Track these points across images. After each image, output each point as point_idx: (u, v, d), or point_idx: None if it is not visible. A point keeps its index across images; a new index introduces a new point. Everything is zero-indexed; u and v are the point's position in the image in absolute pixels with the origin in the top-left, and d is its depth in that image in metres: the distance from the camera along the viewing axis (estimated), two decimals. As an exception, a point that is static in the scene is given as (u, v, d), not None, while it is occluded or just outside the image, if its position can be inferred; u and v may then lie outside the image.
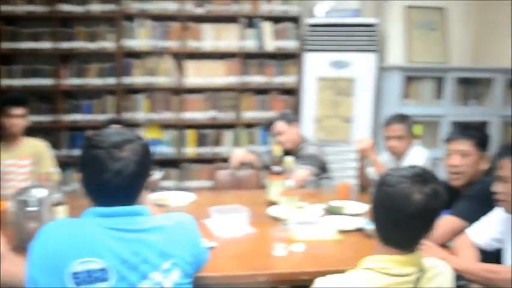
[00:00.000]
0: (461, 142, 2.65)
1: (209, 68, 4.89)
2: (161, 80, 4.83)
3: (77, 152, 4.76)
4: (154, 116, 4.86)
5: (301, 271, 2.15)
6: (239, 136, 4.98)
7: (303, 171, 3.56)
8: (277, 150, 3.16)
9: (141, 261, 1.52)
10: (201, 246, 1.77)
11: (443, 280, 1.62)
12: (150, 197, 3.17)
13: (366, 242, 2.48)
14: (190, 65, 4.85)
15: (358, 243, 2.51)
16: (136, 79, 4.81)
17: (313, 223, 2.61)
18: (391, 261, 1.55)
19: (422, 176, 1.55)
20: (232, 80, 4.90)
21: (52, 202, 2.39)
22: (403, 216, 1.51)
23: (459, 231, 2.43)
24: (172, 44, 4.82)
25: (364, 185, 3.61)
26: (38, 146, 3.68)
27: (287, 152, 3.89)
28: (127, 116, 4.78)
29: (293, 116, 4.07)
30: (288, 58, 4.97)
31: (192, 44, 4.83)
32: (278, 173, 3.08)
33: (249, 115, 4.98)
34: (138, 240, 1.53)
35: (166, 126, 4.92)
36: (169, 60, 4.82)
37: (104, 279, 1.47)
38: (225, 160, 4.96)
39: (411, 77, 4.71)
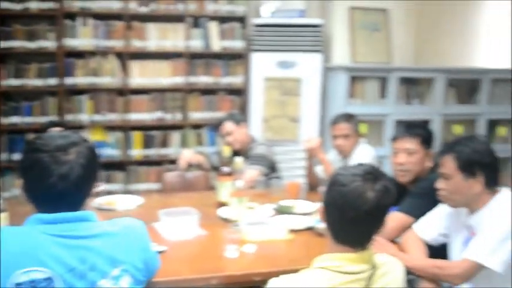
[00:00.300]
0: (407, 140, 2.70)
1: (154, 68, 4.80)
2: (105, 81, 4.70)
3: (16, 156, 4.58)
4: (99, 117, 4.73)
5: (253, 272, 2.14)
6: (186, 137, 4.92)
7: (252, 172, 3.55)
8: (226, 151, 3.13)
9: (89, 268, 1.46)
10: (152, 251, 1.72)
11: (394, 276, 1.64)
12: (95, 201, 3.10)
13: (317, 240, 2.50)
14: (135, 65, 4.75)
15: (309, 242, 2.52)
16: (79, 80, 4.66)
17: (264, 223, 2.61)
18: (344, 259, 1.56)
19: (373, 174, 1.57)
20: (179, 80, 4.84)
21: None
22: (357, 214, 1.53)
23: (407, 227, 2.48)
24: (116, 44, 4.70)
25: (312, 184, 3.63)
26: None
27: (236, 153, 3.87)
28: (70, 118, 4.63)
29: (241, 116, 4.05)
30: (234, 58, 4.95)
31: (137, 44, 4.73)
32: (227, 174, 3.05)
33: (196, 116, 4.93)
34: (85, 247, 1.47)
35: (111, 128, 4.80)
36: (113, 60, 4.70)
37: None
38: (172, 162, 4.90)
39: (356, 77, 4.79)
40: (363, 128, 4.77)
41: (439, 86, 4.90)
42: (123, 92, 4.74)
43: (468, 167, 2.12)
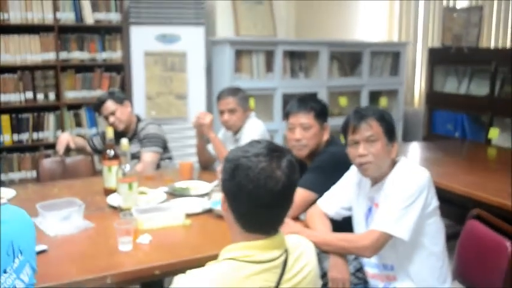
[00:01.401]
0: (302, 115, 2.61)
1: (20, 44, 4.30)
2: (-38, 58, 4.13)
3: None
4: (-43, 100, 4.16)
5: (152, 266, 1.92)
6: (63, 119, 4.49)
7: (151, 155, 3.35)
8: (110, 132, 2.84)
9: None
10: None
11: (308, 259, 1.53)
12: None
13: (217, 223, 2.35)
14: (-4, 40, 4.22)
15: (208, 225, 2.35)
16: None
17: (158, 209, 2.39)
18: (255, 248, 1.40)
19: (276, 150, 1.43)
20: (49, 56, 4.38)
21: None
22: (270, 197, 1.38)
23: (310, 203, 2.41)
24: (-28, 16, 4.13)
25: (204, 163, 3.47)
26: None
27: (121, 134, 3.59)
28: None
29: (123, 94, 3.74)
30: (111, 32, 4.58)
31: (-3, 16, 4.19)
32: (113, 158, 2.78)
33: (72, 95, 4.51)
34: None
35: (-27, 111, 4.25)
36: (-29, 34, 4.14)
37: None
38: (49, 147, 4.48)
39: (241, 51, 4.65)
40: (251, 103, 4.68)
41: (322, 59, 4.93)
42: (-15, 70, 4.20)
43: (391, 132, 2.08)
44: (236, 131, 3.39)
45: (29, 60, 4.32)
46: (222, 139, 3.43)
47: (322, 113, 2.65)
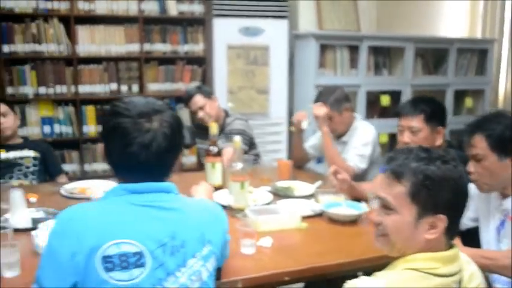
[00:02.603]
0: (411, 118, 2.48)
1: (105, 35, 4.29)
2: (49, 48, 4.14)
3: None
4: (45, 90, 4.17)
5: (281, 271, 1.82)
6: (144, 111, 4.46)
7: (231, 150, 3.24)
8: (214, 128, 2.77)
9: (180, 245, 1.31)
10: (228, 238, 1.59)
11: (480, 277, 1.40)
12: (64, 189, 2.67)
13: (329, 228, 2.27)
14: (81, 31, 4.21)
15: (322, 230, 2.25)
16: (19, 47, 4.07)
17: (271, 210, 2.30)
18: (440, 260, 1.28)
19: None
20: (133, 48, 4.36)
21: None
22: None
23: None
24: (58, 6, 4.12)
25: (299, 161, 3.34)
26: None
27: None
28: (11, 91, 4.06)
29: (209, 88, 3.67)
30: (193, 24, 4.52)
31: (83, 6, 4.18)
32: (217, 154, 2.71)
33: (154, 87, 4.48)
34: (176, 221, 1.33)
35: (60, 102, 4.26)
36: (57, 24, 4.14)
37: (140, 265, 1.26)
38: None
39: (325, 46, 4.51)
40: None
41: (408, 55, 4.74)
42: (70, 61, 4.20)
43: (502, 147, 1.92)
44: (339, 135, 3.21)
45: (113, 51, 4.31)
46: (319, 142, 3.29)
47: (434, 116, 2.50)
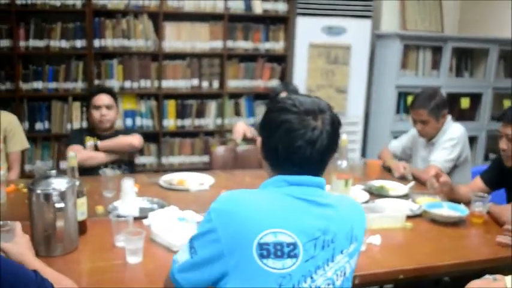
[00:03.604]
0: (509, 126, 2.42)
1: (191, 31, 4.38)
2: (137, 44, 4.27)
3: (39, 126, 4.18)
4: (130, 84, 4.31)
5: (397, 269, 1.83)
6: (223, 107, 4.54)
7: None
8: (344, 142, 2.78)
9: (331, 240, 1.34)
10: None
11: None
12: (163, 180, 2.75)
13: (432, 228, 2.28)
14: (169, 27, 4.32)
15: (429, 231, 2.25)
16: (109, 42, 4.22)
17: (373, 209, 2.30)
18: None
19: None
20: (216, 44, 4.43)
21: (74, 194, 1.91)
22: None
23: None
24: (149, 3, 4.25)
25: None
26: (7, 119, 3.11)
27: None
28: (98, 84, 4.21)
29: (295, 86, 3.67)
30: (276, 22, 4.56)
31: (172, 3, 4.29)
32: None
33: (234, 84, 4.54)
34: (328, 217, 1.36)
35: (143, 95, 4.39)
36: (146, 21, 4.26)
37: (294, 256, 1.28)
38: (208, 133, 4.55)
39: (408, 46, 4.45)
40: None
41: (491, 57, 4.61)
42: (156, 56, 4.32)
43: None
44: (430, 138, 3.19)
45: (197, 47, 4.40)
46: (411, 139, 3.28)
47: None
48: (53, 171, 1.86)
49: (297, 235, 1.29)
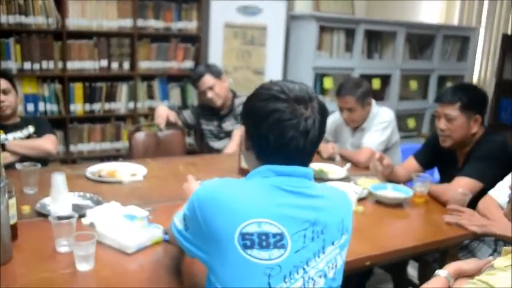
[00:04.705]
0: (447, 106, 2.48)
1: (97, 8, 4.02)
2: (36, 21, 3.84)
3: None
4: (30, 65, 3.87)
5: (365, 256, 1.79)
6: (136, 90, 4.25)
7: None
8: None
9: (320, 231, 1.30)
10: None
11: None
12: (90, 172, 2.51)
13: (386, 212, 2.28)
14: (72, 3, 3.93)
15: (379, 213, 2.25)
16: (3, 18, 3.75)
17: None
18: None
19: None
20: (125, 23, 4.12)
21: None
22: None
23: (476, 193, 2.31)
24: (48, -25, 3.84)
25: None
26: None
27: (216, 109, 3.42)
28: (-7, 65, 3.75)
29: (219, 68, 3.52)
30: (189, 1, 4.33)
31: (75, -22, 3.91)
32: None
33: (145, 65, 4.27)
34: (316, 208, 1.31)
35: (45, 78, 3.97)
36: (45, -5, 3.85)
37: (282, 247, 1.24)
38: (119, 118, 4.27)
39: (323, 28, 4.44)
40: (328, 83, 4.53)
41: (399, 40, 4.77)
42: (59, 35, 3.92)
43: None
44: (356, 126, 3.21)
45: (105, 26, 4.06)
46: (333, 125, 3.29)
47: (471, 104, 2.49)
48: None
49: (284, 226, 1.25)
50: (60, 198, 2.01)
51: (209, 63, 3.64)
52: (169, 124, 3.44)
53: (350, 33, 4.55)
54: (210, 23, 4.29)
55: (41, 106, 3.95)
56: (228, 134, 3.43)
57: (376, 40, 4.82)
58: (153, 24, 4.22)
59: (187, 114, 3.57)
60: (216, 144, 3.47)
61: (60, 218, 1.71)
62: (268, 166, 1.33)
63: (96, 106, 4.14)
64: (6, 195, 1.63)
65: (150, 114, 4.30)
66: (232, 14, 4.29)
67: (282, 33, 4.42)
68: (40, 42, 3.88)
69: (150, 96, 4.34)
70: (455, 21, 5.35)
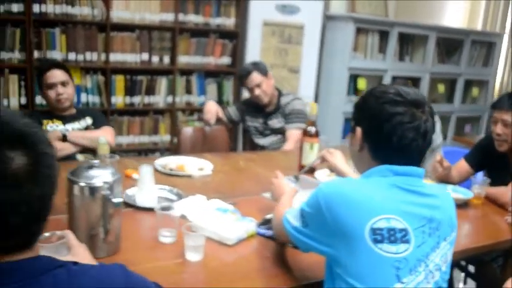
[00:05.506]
0: (505, 112, 2.57)
1: (140, 2, 4.06)
2: (82, 11, 3.88)
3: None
4: (74, 56, 3.91)
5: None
6: (175, 84, 4.30)
7: (298, 132, 3.21)
8: (314, 108, 2.72)
9: (435, 227, 1.38)
10: None
11: None
12: (160, 165, 2.55)
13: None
14: (116, -4, 3.98)
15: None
16: (50, 8, 3.78)
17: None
18: None
19: None
20: (167, 17, 4.17)
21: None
22: None
23: None
24: (95, -33, 3.88)
25: None
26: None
27: (262, 107, 3.48)
28: (38, 55, 3.77)
29: (265, 66, 3.57)
30: (228, -4, 4.38)
31: (120, -30, 3.95)
32: (315, 135, 2.68)
33: (184, 60, 4.31)
34: (431, 206, 1.39)
35: (89, 69, 4.01)
36: (91, -13, 3.89)
37: (406, 241, 1.32)
38: (158, 112, 4.31)
39: (359, 29, 4.51)
40: (362, 83, 4.60)
41: (430, 43, 4.85)
42: (103, 26, 3.96)
43: None
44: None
45: (147, 19, 4.10)
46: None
47: None
48: (95, 161, 1.63)
49: (407, 221, 1.32)
50: (147, 190, 2.07)
51: (256, 61, 3.69)
52: (218, 120, 3.50)
53: (384, 35, 4.63)
54: (249, 20, 4.34)
55: (83, 97, 3.99)
56: (274, 131, 3.48)
57: (408, 43, 4.89)
58: (192, 19, 4.27)
59: (232, 110, 3.63)
60: (260, 141, 3.53)
61: (164, 209, 1.77)
62: (387, 166, 1.40)
63: (136, 99, 4.19)
64: (120, 187, 1.68)
65: (187, 109, 4.36)
66: (271, 12, 4.35)
67: (318, 32, 4.48)
68: (85, 33, 3.92)
69: (188, 91, 4.39)
70: (479, 26, 5.45)
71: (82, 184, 1.55)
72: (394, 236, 1.30)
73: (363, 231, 1.29)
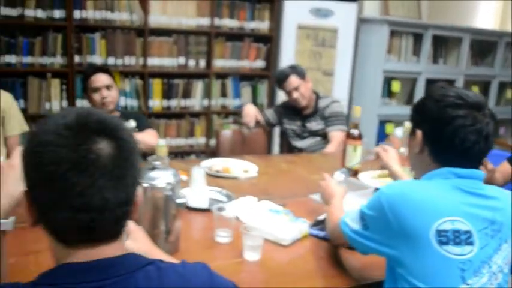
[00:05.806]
0: None
1: (177, 6, 4.13)
2: (121, 17, 3.96)
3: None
4: (114, 60, 3.99)
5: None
6: (210, 88, 4.35)
7: (342, 134, 3.22)
8: (357, 111, 2.74)
9: (497, 229, 1.38)
10: None
11: None
12: (206, 166, 2.59)
13: None
14: (155, 1, 4.03)
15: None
16: (90, 14, 3.87)
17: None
18: None
19: None
20: (203, 21, 4.23)
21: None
22: None
23: None
24: (133, -26, 3.95)
25: None
26: (3, 98, 2.78)
27: (299, 110, 3.50)
28: (78, 59, 3.86)
29: (303, 69, 3.60)
30: (262, 1, 4.41)
31: (158, -24, 4.02)
32: (358, 137, 2.70)
33: (220, 63, 4.36)
34: (493, 208, 1.40)
35: (127, 73, 4.09)
36: (130, -7, 3.97)
37: (471, 243, 1.33)
38: (194, 115, 4.37)
39: (393, 31, 4.51)
40: (396, 86, 4.59)
41: (464, 46, 4.82)
42: (141, 31, 4.03)
43: None
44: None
45: (184, 24, 4.16)
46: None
47: None
48: (157, 162, 1.67)
49: (470, 223, 1.34)
50: (199, 191, 2.11)
51: (293, 64, 3.72)
52: (256, 123, 3.53)
53: (418, 38, 4.62)
54: (283, 24, 4.38)
55: (122, 101, 4.06)
56: (312, 134, 3.51)
57: (441, 45, 4.88)
58: (227, 23, 4.32)
59: (270, 113, 3.66)
60: (298, 143, 3.56)
61: (220, 210, 1.81)
62: (449, 168, 1.42)
63: (173, 102, 4.25)
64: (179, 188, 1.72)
65: (222, 112, 4.41)
66: (305, 15, 4.38)
67: (351, 35, 4.50)
68: (123, 38, 3.99)
69: (223, 94, 4.44)
70: (509, 27, 5.39)
71: (145, 185, 1.60)
72: (459, 237, 1.32)
73: (428, 233, 1.31)
